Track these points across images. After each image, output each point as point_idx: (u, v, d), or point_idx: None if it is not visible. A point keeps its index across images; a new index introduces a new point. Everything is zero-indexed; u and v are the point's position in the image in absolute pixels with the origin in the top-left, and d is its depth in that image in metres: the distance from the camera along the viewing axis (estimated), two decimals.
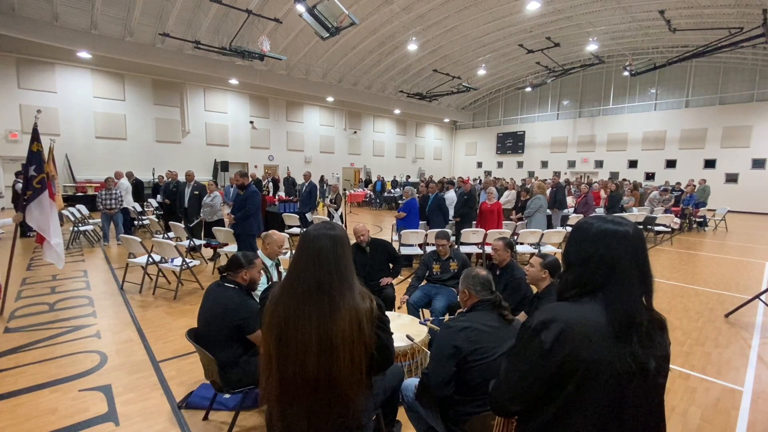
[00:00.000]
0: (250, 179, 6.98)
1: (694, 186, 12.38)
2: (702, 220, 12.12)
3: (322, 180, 19.68)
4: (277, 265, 3.61)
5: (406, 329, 2.95)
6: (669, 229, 10.00)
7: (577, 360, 1.01)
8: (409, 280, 4.30)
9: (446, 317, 3.56)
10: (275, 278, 3.46)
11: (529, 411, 1.13)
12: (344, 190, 12.89)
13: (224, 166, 18.30)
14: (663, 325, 1.12)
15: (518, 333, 1.16)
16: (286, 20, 14.31)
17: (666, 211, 10.94)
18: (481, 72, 20.85)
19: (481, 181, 16.70)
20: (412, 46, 16.80)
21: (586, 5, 15.58)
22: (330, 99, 21.72)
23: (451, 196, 8.09)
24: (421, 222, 7.35)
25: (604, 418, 1.03)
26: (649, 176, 21.09)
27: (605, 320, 1.03)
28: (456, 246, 5.79)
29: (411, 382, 2.16)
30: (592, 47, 17.15)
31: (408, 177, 24.23)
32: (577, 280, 1.13)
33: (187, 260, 5.25)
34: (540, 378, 1.06)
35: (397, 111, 24.84)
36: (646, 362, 1.03)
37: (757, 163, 18.18)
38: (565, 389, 1.04)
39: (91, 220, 9.05)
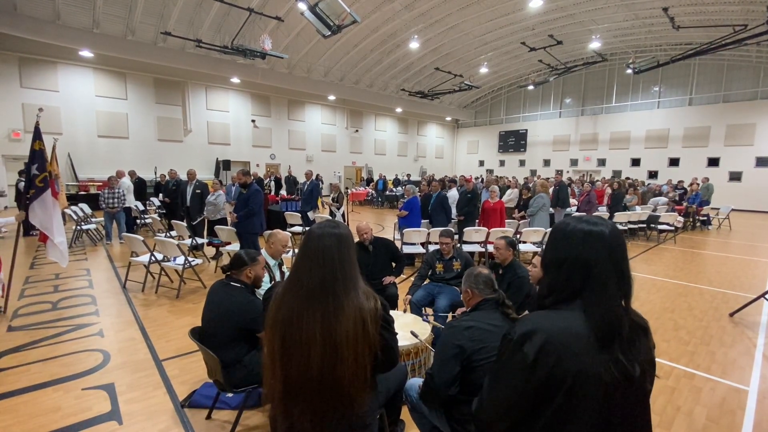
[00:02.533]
0: (253, 178, 6.98)
1: (698, 184, 12.31)
2: (705, 218, 12.06)
3: (317, 178, 19.71)
4: (280, 264, 3.60)
5: (409, 328, 2.94)
6: (672, 228, 9.96)
7: (563, 372, 0.97)
8: (412, 279, 4.29)
9: (449, 316, 3.55)
10: (278, 278, 3.45)
11: (514, 428, 1.08)
12: (346, 188, 12.87)
13: (226, 164, 18.32)
14: (645, 328, 1.09)
15: (498, 347, 1.11)
16: (287, 19, 14.28)
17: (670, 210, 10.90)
18: (483, 70, 20.78)
19: (483, 179, 16.66)
20: (414, 45, 16.75)
21: (589, 2, 15.49)
22: (331, 97, 21.69)
23: (453, 195, 8.08)
24: (423, 221, 7.33)
25: (592, 430, 0.99)
26: (652, 174, 21.02)
27: (586, 328, 0.99)
28: (459, 245, 5.77)
29: (415, 382, 2.15)
30: (594, 45, 17.06)
31: (409, 175, 24.20)
32: (554, 284, 1.09)
33: (190, 259, 5.26)
34: (525, 393, 1.02)
35: (398, 109, 24.80)
36: (630, 369, 0.99)
37: (761, 162, 18.06)
38: (552, 403, 0.99)
39: (93, 219, 9.07)
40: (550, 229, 1.19)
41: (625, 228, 9.46)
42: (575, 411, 0.98)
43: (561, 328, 1.01)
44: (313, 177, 9.59)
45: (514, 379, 1.03)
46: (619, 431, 1.01)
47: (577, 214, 9.24)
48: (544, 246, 6.49)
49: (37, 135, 4.64)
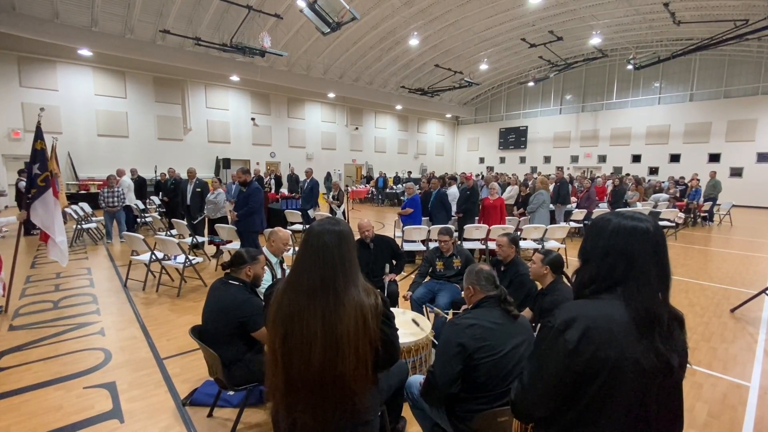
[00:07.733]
0: (253, 176, 6.96)
1: (698, 180, 12.27)
2: (706, 214, 12.04)
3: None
4: (281, 262, 3.60)
5: (410, 326, 2.94)
6: (673, 224, 9.95)
7: (604, 357, 0.99)
8: (413, 276, 4.28)
9: (450, 314, 3.55)
10: (279, 275, 3.45)
11: (553, 415, 1.10)
12: (346, 186, 12.86)
13: (226, 163, 18.30)
14: (681, 321, 1.10)
15: (539, 335, 1.13)
16: (286, 16, 14.23)
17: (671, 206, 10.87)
18: (483, 67, 20.71)
19: (482, 176, 16.62)
20: (414, 41, 16.69)
21: None
22: (331, 95, 21.64)
23: (453, 192, 8.07)
24: (423, 218, 7.32)
25: (629, 417, 1.00)
26: (653, 171, 20.99)
27: (627, 316, 1.01)
28: (459, 242, 5.77)
29: (416, 380, 2.15)
30: (595, 41, 16.98)
31: (410, 173, 24.15)
32: (596, 275, 1.11)
33: (190, 257, 5.26)
34: (566, 379, 1.03)
35: (398, 107, 24.73)
36: (669, 358, 1.01)
37: (762, 157, 18.00)
38: (590, 390, 1.01)
39: (94, 218, 9.07)
40: (591, 222, 1.21)
41: None
42: (614, 396, 1.00)
43: (602, 315, 1.03)
44: (314, 175, 9.57)
45: (556, 365, 1.05)
46: (655, 420, 1.02)
47: (577, 210, 9.23)
48: (543, 242, 6.49)
49: (39, 134, 4.64)
